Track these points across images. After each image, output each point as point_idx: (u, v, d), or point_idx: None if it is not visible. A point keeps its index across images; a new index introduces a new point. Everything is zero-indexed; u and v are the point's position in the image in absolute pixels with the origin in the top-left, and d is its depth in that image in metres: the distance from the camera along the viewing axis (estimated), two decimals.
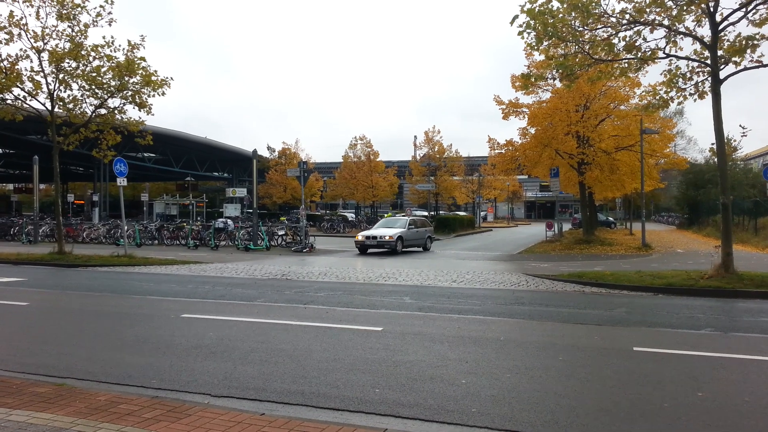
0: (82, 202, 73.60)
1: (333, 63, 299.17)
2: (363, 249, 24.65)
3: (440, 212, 53.36)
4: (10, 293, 12.58)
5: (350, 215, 57.61)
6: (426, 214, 44.93)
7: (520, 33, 13.75)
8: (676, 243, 31.04)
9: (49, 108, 19.80)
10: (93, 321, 9.76)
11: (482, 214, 63.33)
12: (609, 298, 12.42)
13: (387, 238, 24.04)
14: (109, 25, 19.53)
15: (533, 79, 17.72)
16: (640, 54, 13.99)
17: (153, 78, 19.91)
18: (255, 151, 29.22)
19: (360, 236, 25.26)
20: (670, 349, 7.60)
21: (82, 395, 5.52)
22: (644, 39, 13.81)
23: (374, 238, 24.44)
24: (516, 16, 13.54)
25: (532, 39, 13.92)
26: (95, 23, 19.29)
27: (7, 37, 18.58)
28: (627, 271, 15.75)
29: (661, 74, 14.63)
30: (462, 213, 58.59)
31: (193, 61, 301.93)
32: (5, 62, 18.88)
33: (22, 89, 19.33)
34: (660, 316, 10.20)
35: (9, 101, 19.51)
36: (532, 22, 13.54)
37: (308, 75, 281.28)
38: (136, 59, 19.56)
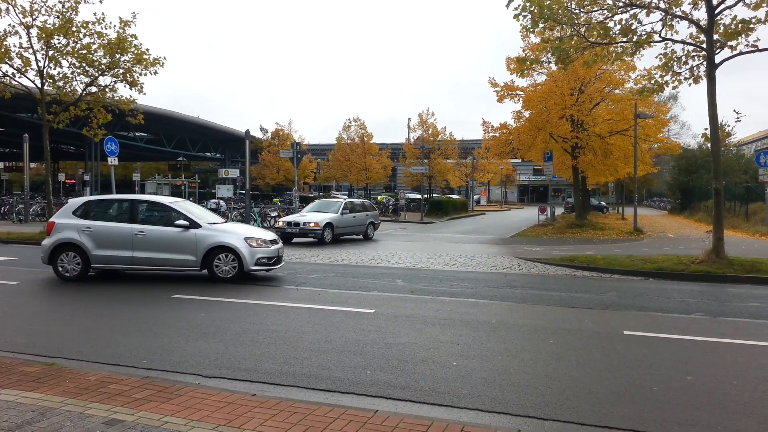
0: (74, 181, 73.01)
1: (327, 43, 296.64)
2: (285, 238, 18.85)
3: (433, 195, 53.37)
4: (0, 272, 12.49)
5: (343, 197, 57.50)
6: (419, 196, 44.88)
7: (516, 16, 13.63)
8: (668, 228, 31.20)
9: (39, 85, 19.52)
10: (83, 301, 9.71)
11: (475, 197, 63.35)
12: (600, 282, 12.48)
13: (312, 225, 19.96)
14: (100, 2, 19.25)
15: (529, 62, 17.61)
16: (635, 37, 13.89)
17: (145, 56, 19.64)
18: (248, 132, 28.99)
19: (281, 222, 21.05)
20: (660, 333, 7.66)
21: (72, 375, 5.50)
22: (640, 22, 13.73)
23: (296, 225, 20.23)
24: None
25: (528, 21, 13.79)
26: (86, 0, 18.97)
27: None
28: (618, 255, 15.82)
29: (656, 58, 14.57)
30: (455, 196, 58.57)
31: (180, 36, 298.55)
32: None
33: (11, 66, 19.03)
34: (650, 300, 10.27)
35: None
36: (527, 5, 13.42)
37: (302, 55, 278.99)
38: (127, 37, 19.28)
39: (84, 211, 11.78)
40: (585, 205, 33.45)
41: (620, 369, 6.06)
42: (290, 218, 21.13)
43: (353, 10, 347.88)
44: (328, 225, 20.40)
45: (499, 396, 5.21)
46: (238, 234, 11.82)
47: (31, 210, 29.94)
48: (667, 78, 14.47)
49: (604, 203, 56.30)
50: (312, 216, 20.91)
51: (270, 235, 12.60)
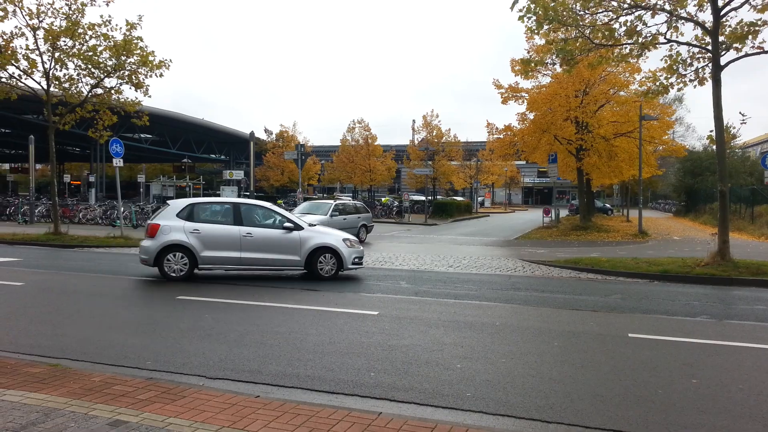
0: (79, 182, 73.26)
1: (331, 45, 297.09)
2: None
3: (438, 197, 53.32)
4: (6, 273, 12.54)
5: (348, 199, 57.51)
6: (423, 198, 44.86)
7: (520, 18, 13.63)
8: (673, 230, 31.10)
9: (45, 87, 19.59)
10: (88, 302, 9.74)
11: (479, 199, 63.32)
12: (605, 284, 12.45)
13: None
14: (107, 5, 19.30)
15: (533, 64, 17.59)
16: (640, 39, 13.87)
17: (150, 59, 19.71)
18: (252, 134, 29.11)
19: None
20: (666, 336, 7.63)
21: (77, 376, 5.51)
22: (645, 24, 13.70)
23: None
24: (516, 1, 13.41)
25: (532, 23, 13.78)
26: (93, 2, 19.05)
27: (1, 14, 18.33)
28: (623, 257, 15.78)
29: (661, 60, 14.53)
30: (459, 198, 58.54)
31: (184, 38, 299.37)
32: (0, 40, 18.63)
33: (17, 67, 19.09)
34: (656, 302, 10.23)
35: (4, 80, 19.26)
36: (532, 6, 13.41)
37: (306, 56, 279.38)
38: (133, 39, 19.34)
39: (188, 214, 12.05)
40: (589, 207, 33.38)
41: (625, 372, 6.04)
42: None
43: (357, 10, 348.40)
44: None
45: (504, 398, 5.20)
46: (336, 235, 12.60)
47: (37, 211, 30.05)
48: (672, 80, 14.43)
49: (608, 205, 56.16)
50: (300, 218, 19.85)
51: (354, 237, 13.78)
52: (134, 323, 7.99)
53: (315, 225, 12.97)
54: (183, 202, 12.55)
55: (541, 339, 7.40)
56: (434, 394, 5.31)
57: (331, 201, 21.67)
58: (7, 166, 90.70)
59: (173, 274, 11.63)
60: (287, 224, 12.18)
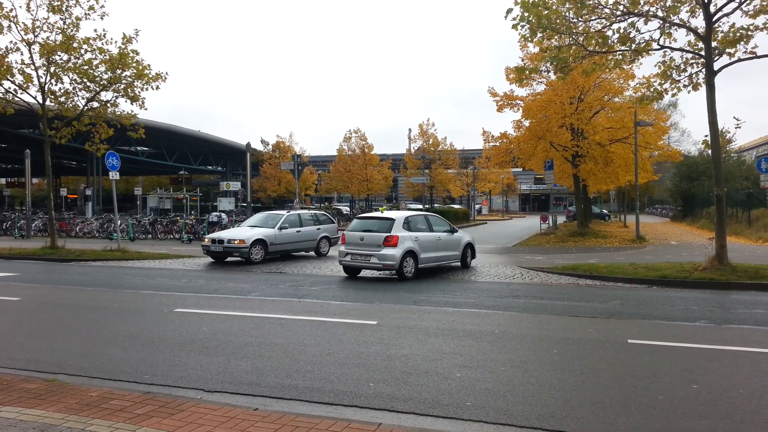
0: (75, 196, 73.19)
1: (326, 54, 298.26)
2: (214, 257, 18.10)
3: (435, 205, 53.37)
4: (2, 288, 12.48)
5: (345, 208, 57.56)
6: (421, 207, 44.89)
7: (514, 26, 13.69)
8: (670, 235, 31.15)
9: (41, 101, 19.63)
10: (85, 316, 9.69)
11: (477, 206, 63.38)
12: (603, 290, 12.43)
13: (236, 242, 17.44)
14: (102, 18, 19.39)
15: (528, 72, 17.66)
16: (634, 46, 13.94)
17: (146, 72, 19.77)
18: (248, 145, 29.14)
19: (207, 239, 18.52)
20: (665, 342, 7.61)
21: (74, 391, 5.47)
22: (638, 30, 13.77)
23: (221, 242, 17.71)
24: (510, 9, 13.49)
25: (526, 31, 13.84)
26: (87, 16, 19.12)
27: None
28: (621, 263, 15.77)
29: (655, 66, 14.61)
30: (456, 206, 58.59)
31: (178, 49, 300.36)
32: None
33: (13, 82, 19.16)
34: (654, 308, 10.22)
35: (0, 94, 19.32)
36: (526, 15, 13.48)
37: (301, 66, 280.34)
38: (129, 52, 19.40)
39: (407, 225, 14.53)
40: (587, 213, 33.43)
41: (625, 378, 6.01)
42: (215, 235, 18.63)
43: (352, 20, 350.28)
44: (259, 242, 17.75)
45: (504, 407, 5.17)
46: (468, 236, 16.67)
47: (33, 225, 30.02)
48: (666, 86, 14.50)
49: (605, 211, 56.27)
50: (240, 232, 18.55)
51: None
52: (131, 337, 7.94)
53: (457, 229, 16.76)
54: (403, 215, 14.91)
55: (541, 346, 7.38)
56: (434, 403, 5.28)
57: (284, 212, 20.01)
58: (3, 180, 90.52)
59: (408, 275, 13.92)
60: (455, 228, 16.18)
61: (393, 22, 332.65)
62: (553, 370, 6.29)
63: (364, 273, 15.00)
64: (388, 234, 13.92)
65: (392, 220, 14.34)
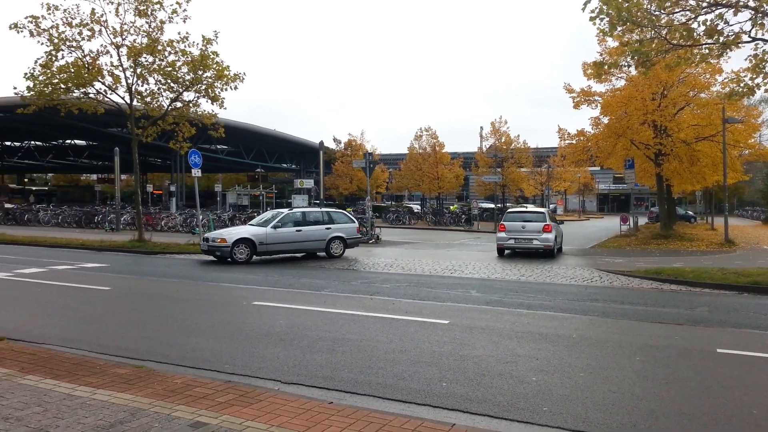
0: (160, 192, 76.89)
1: (397, 52, 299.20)
2: (212, 256, 17.37)
3: (507, 204, 52.46)
4: (94, 279, 13.29)
5: (416, 207, 57.52)
6: (493, 206, 44.21)
7: (592, 19, 13.19)
8: (762, 239, 29.18)
9: (128, 101, 20.73)
10: (170, 306, 10.17)
11: (551, 206, 61.76)
12: (689, 296, 11.81)
13: (218, 241, 16.81)
14: (184, 21, 20.26)
15: (606, 67, 16.99)
16: (722, 38, 13.12)
17: (226, 72, 20.50)
18: (322, 143, 29.62)
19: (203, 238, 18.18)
20: (758, 352, 7.13)
21: (160, 378, 5.74)
22: (727, 22, 12.93)
23: (206, 240, 17.36)
24: (587, 1, 13.00)
25: (605, 25, 13.31)
26: (171, 20, 20.04)
27: (89, 33, 19.57)
28: (708, 267, 14.93)
29: (745, 59, 13.68)
30: (530, 205, 57.37)
31: (255, 50, 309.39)
32: (87, 57, 19.87)
33: (103, 83, 20.32)
34: (746, 316, 9.61)
35: (91, 95, 20.54)
36: (604, 8, 12.95)
37: (371, 64, 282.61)
38: (209, 54, 20.17)
39: (550, 217, 20.06)
40: (670, 214, 31.86)
41: (714, 389, 5.68)
42: (212, 234, 17.95)
43: (424, 17, 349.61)
44: (243, 242, 16.89)
45: (583, 414, 5.00)
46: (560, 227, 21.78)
47: (122, 219, 31.75)
48: (758, 80, 13.55)
49: (691, 213, 53.44)
50: (228, 231, 18.34)
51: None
52: (213, 328, 8.26)
53: None
54: (547, 210, 21.42)
55: (622, 353, 7.09)
56: (509, 407, 5.18)
57: (285, 210, 19.25)
58: (94, 176, 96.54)
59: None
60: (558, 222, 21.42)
61: (465, 18, 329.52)
62: (636, 378, 6.02)
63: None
64: (545, 223, 19.07)
65: (543, 213, 20.14)
